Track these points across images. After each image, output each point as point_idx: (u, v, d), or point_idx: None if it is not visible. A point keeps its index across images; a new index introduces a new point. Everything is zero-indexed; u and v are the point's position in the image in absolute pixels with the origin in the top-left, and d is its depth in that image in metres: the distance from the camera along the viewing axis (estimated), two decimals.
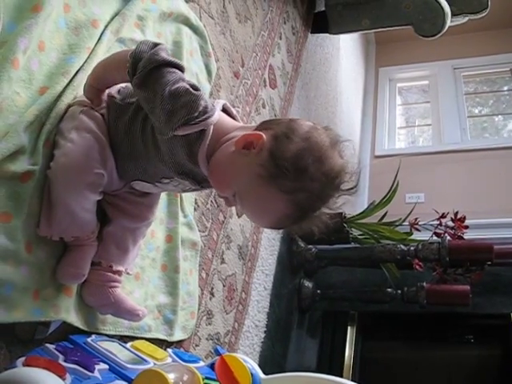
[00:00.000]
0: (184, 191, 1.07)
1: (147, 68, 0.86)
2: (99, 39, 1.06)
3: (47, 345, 0.87)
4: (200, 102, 0.87)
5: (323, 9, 3.11)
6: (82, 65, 0.98)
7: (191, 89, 0.87)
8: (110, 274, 1.03)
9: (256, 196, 0.88)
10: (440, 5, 2.81)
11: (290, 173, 0.84)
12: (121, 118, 0.95)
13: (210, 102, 0.90)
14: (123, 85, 1.02)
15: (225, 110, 0.97)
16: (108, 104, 0.98)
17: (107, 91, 1.00)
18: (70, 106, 0.96)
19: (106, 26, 1.09)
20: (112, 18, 1.13)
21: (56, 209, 0.89)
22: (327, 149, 0.87)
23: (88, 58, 1.01)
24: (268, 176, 0.85)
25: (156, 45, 0.89)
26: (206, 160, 0.92)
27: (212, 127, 0.90)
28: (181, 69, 0.90)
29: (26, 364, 0.75)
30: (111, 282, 1.03)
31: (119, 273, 1.05)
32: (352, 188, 0.90)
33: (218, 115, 0.91)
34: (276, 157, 0.85)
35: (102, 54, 1.05)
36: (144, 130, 0.93)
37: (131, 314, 1.04)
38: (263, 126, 0.92)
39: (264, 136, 0.87)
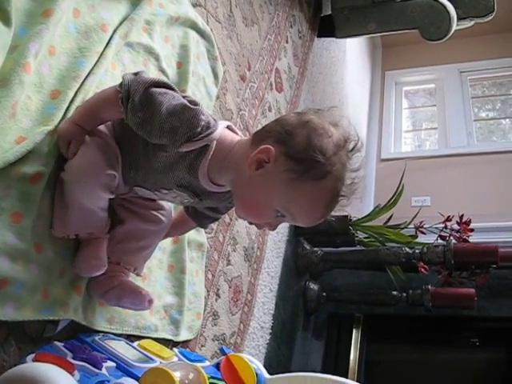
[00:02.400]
0: (182, 203, 1.07)
1: (140, 90, 0.87)
2: (108, 43, 1.07)
3: (56, 342, 0.89)
4: (201, 116, 0.87)
5: (329, 12, 3.13)
6: (92, 68, 1.00)
7: (189, 104, 0.88)
8: (117, 266, 1.04)
9: (299, 198, 0.88)
10: (446, 9, 2.82)
11: (317, 157, 0.85)
12: (126, 128, 0.94)
13: (212, 117, 0.91)
14: None
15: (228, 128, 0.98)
16: None
17: None
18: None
19: (115, 31, 1.11)
20: (120, 23, 1.15)
21: (71, 209, 0.90)
22: (324, 123, 0.89)
23: (97, 61, 1.03)
24: (299, 175, 0.86)
25: (137, 72, 0.90)
26: (206, 174, 0.93)
27: (215, 142, 0.91)
28: (171, 88, 0.91)
29: (35, 360, 0.77)
30: (117, 272, 1.03)
31: (127, 269, 1.07)
32: (357, 145, 0.92)
33: (220, 130, 0.92)
34: (294, 155, 0.86)
35: (110, 58, 1.07)
36: (146, 141, 0.93)
37: (135, 295, 1.01)
38: (259, 138, 0.91)
39: (270, 147, 0.88)
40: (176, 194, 0.99)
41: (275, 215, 0.91)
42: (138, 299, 1.01)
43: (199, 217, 1.13)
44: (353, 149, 0.91)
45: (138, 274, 1.10)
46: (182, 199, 1.02)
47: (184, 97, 0.91)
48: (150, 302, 1.03)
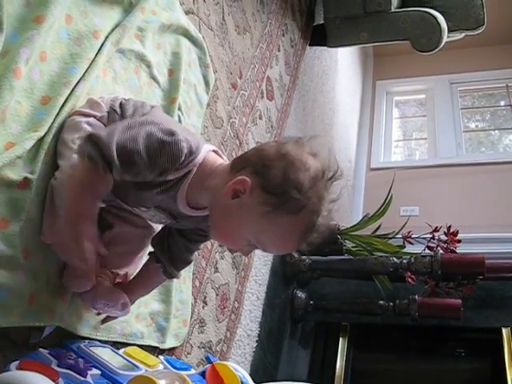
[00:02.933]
0: (160, 223, 1.07)
1: (111, 151, 0.83)
2: (100, 50, 1.07)
3: (41, 349, 0.88)
4: (181, 145, 0.87)
5: (322, 22, 3.14)
6: (83, 75, 1.00)
7: (165, 136, 0.86)
8: (100, 269, 1.02)
9: (272, 231, 0.88)
10: (437, 20, 2.85)
11: (292, 193, 0.85)
12: None
13: (192, 140, 0.90)
14: (126, 98, 1.04)
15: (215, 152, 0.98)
16: (109, 118, 0.98)
17: (110, 102, 1.01)
18: (69, 115, 0.96)
19: (107, 37, 1.11)
20: (113, 29, 1.15)
21: (61, 217, 0.89)
22: (302, 155, 0.89)
23: (89, 67, 1.03)
24: (273, 208, 0.86)
25: (88, 136, 0.86)
26: (185, 198, 0.93)
27: (195, 169, 0.91)
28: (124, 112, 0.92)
29: (19, 368, 0.76)
30: (98, 275, 1.00)
31: (115, 274, 1.06)
32: (336, 174, 0.91)
33: (203, 154, 0.92)
34: (269, 189, 0.87)
35: (102, 64, 1.07)
36: None
37: (109, 295, 0.99)
38: (237, 167, 0.92)
39: (247, 178, 0.88)
40: (154, 213, 1.00)
41: (247, 244, 0.92)
42: (111, 300, 1.00)
43: (175, 255, 1.07)
44: (331, 178, 0.91)
45: (126, 279, 1.09)
46: (160, 219, 1.02)
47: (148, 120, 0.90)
48: (124, 304, 1.01)
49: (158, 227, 1.12)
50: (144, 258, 1.13)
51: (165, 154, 0.86)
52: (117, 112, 0.99)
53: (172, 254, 1.06)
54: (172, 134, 0.88)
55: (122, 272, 1.08)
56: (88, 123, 0.95)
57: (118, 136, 0.85)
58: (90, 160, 0.85)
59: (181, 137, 0.88)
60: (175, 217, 0.98)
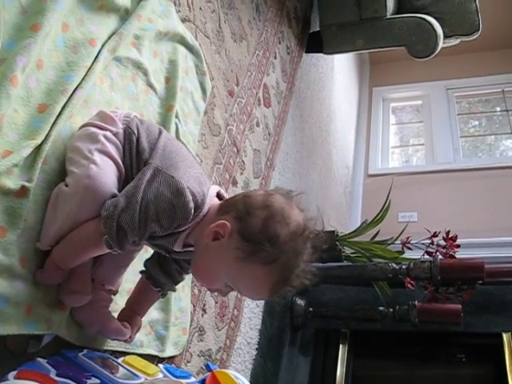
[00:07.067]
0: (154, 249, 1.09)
1: (135, 229, 0.88)
2: (96, 57, 1.08)
3: (39, 359, 0.88)
4: (190, 208, 0.90)
5: (318, 29, 3.15)
6: (80, 82, 1.00)
7: (175, 199, 0.89)
8: (101, 292, 1.05)
9: (245, 277, 0.91)
10: (432, 27, 2.86)
11: (265, 244, 0.87)
12: (130, 161, 0.97)
13: (199, 192, 0.92)
14: (137, 115, 1.06)
15: (218, 195, 1.00)
16: (126, 137, 0.99)
17: (124, 118, 1.01)
18: (82, 126, 0.98)
19: (103, 45, 1.12)
20: (109, 37, 1.15)
21: (62, 224, 0.90)
22: (287, 208, 0.91)
23: (85, 75, 1.03)
24: (247, 255, 0.88)
25: (116, 216, 0.88)
26: (182, 243, 0.96)
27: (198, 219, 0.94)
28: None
29: (17, 377, 0.76)
30: (101, 302, 1.04)
31: (110, 292, 1.07)
32: (318, 234, 0.94)
33: (208, 204, 0.95)
34: (246, 236, 0.89)
35: (98, 72, 1.07)
36: None
37: (117, 334, 1.05)
38: (224, 209, 0.94)
39: (227, 223, 0.90)
40: (150, 247, 1.04)
41: (224, 285, 0.94)
42: (120, 336, 1.05)
43: (171, 275, 1.10)
44: (311, 237, 0.92)
45: (114, 294, 1.10)
46: (154, 249, 1.05)
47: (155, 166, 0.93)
48: (127, 335, 1.06)
49: None
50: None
51: (176, 217, 0.89)
52: (134, 134, 0.99)
53: (168, 273, 1.09)
54: (180, 194, 0.90)
55: (113, 288, 1.08)
56: (105, 137, 0.96)
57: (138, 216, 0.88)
58: (106, 243, 0.89)
59: (188, 196, 0.90)
60: (170, 252, 1.01)
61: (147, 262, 1.11)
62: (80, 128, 0.98)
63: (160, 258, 1.09)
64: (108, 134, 0.97)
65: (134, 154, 0.97)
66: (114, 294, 1.09)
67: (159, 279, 1.08)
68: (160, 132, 1.03)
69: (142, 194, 0.89)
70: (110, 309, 1.08)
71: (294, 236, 0.89)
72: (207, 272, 0.95)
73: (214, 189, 0.99)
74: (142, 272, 1.11)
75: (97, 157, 0.92)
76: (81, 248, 0.92)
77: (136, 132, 1.00)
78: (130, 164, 0.97)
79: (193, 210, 0.90)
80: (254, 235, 0.88)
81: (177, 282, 1.12)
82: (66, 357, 0.95)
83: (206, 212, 0.94)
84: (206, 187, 0.96)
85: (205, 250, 0.93)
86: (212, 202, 0.96)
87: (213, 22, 1.81)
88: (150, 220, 0.88)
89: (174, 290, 1.15)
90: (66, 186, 0.90)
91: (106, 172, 0.91)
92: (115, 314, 1.09)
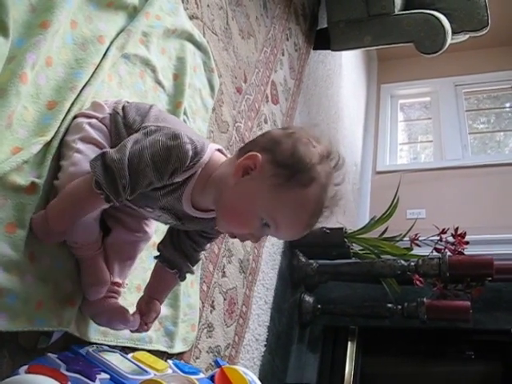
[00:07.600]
0: (166, 223, 1.07)
1: (123, 170, 0.85)
2: (105, 55, 1.08)
3: (49, 354, 0.89)
4: (186, 147, 0.87)
5: (325, 26, 3.14)
6: (89, 79, 1.01)
7: (170, 141, 0.87)
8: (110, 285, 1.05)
9: (285, 205, 0.87)
10: (441, 22, 2.85)
11: (300, 166, 0.86)
12: (119, 140, 0.95)
13: (197, 140, 0.91)
14: (128, 101, 1.05)
15: (219, 151, 0.99)
16: (112, 119, 0.99)
17: (113, 104, 1.02)
18: (75, 117, 0.98)
19: (112, 42, 1.12)
20: (117, 34, 1.15)
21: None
22: (309, 136, 0.90)
23: (94, 72, 1.04)
24: (285, 180, 0.86)
25: (102, 156, 0.87)
26: (190, 199, 0.93)
27: (200, 169, 0.92)
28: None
29: (28, 372, 0.76)
30: (109, 293, 1.04)
31: (117, 284, 1.07)
32: (339, 160, 0.92)
33: (209, 154, 0.93)
34: (279, 162, 0.87)
35: (107, 69, 1.08)
36: None
37: (123, 323, 1.03)
38: (244, 151, 0.92)
39: (258, 154, 0.88)
40: (160, 214, 1.00)
41: (260, 224, 0.89)
42: (126, 325, 1.03)
43: (187, 253, 1.09)
44: (335, 165, 0.92)
45: (121, 287, 1.10)
46: (166, 219, 1.02)
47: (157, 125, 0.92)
48: (136, 323, 1.04)
49: (152, 233, 1.13)
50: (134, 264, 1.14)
51: (171, 159, 0.86)
52: (119, 114, 1.00)
53: (183, 252, 1.07)
54: (176, 137, 0.88)
55: (120, 280, 1.09)
56: (90, 124, 0.96)
57: (128, 155, 0.86)
58: (96, 185, 0.86)
59: (185, 139, 0.88)
60: (180, 218, 0.99)
61: (160, 245, 1.09)
62: (73, 119, 0.98)
63: (172, 237, 1.07)
64: (93, 121, 0.97)
65: (124, 131, 0.97)
66: (121, 287, 1.09)
67: (174, 260, 1.06)
68: (151, 106, 1.03)
69: (132, 141, 0.88)
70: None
71: (323, 158, 0.89)
72: (242, 213, 0.89)
73: (216, 145, 0.98)
74: (156, 257, 1.10)
75: (80, 145, 0.93)
76: (74, 201, 0.89)
77: (121, 112, 1.00)
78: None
79: (191, 153, 0.87)
80: (288, 158, 0.86)
81: (193, 261, 1.09)
82: (76, 352, 0.96)
83: (207, 162, 0.92)
84: (207, 142, 0.95)
85: (234, 190, 0.89)
86: (213, 154, 0.94)
87: (220, 19, 1.81)
88: (143, 163, 0.85)
89: (192, 272, 1.11)
90: (57, 179, 0.91)
91: (90, 157, 0.90)
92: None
